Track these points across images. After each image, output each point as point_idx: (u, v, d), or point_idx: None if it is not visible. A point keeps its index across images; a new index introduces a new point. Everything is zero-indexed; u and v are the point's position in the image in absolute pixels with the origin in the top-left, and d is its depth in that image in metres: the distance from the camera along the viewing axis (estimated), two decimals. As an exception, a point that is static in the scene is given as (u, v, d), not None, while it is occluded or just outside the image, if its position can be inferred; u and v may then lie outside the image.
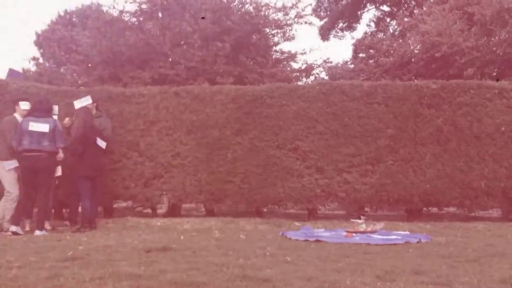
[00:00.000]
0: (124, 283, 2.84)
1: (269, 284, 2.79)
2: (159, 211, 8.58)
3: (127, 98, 7.97)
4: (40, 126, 5.85)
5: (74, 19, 19.36)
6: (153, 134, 7.80)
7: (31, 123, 5.85)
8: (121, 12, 12.84)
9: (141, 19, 13.02)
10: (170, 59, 12.37)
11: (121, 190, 7.72)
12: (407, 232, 5.77)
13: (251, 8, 13.33)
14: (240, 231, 5.63)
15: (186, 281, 2.84)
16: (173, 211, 8.05)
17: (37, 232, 5.74)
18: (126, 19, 13.07)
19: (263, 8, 13.20)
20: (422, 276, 2.99)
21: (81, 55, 13.09)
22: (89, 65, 12.97)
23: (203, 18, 11.95)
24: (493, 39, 11.09)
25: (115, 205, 8.47)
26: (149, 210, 8.96)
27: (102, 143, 6.50)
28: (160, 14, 12.95)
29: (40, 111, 6.03)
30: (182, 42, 13.02)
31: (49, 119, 6.02)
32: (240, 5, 13.41)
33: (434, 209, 8.52)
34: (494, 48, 10.83)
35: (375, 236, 5.34)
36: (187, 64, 11.89)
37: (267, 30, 13.67)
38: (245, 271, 3.13)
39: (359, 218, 5.89)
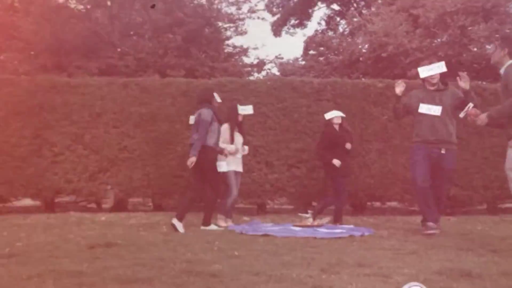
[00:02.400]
0: (65, 281, 2.73)
1: (217, 279, 2.78)
2: (105, 206, 8.36)
3: (72, 89, 7.70)
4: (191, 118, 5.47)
5: (16, 4, 18.35)
6: (99, 127, 7.57)
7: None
8: (68, -2, 12.34)
9: (88, 7, 12.57)
10: (119, 50, 12.03)
11: (64, 184, 7.45)
12: (351, 226, 5.94)
13: (203, 0, 13.22)
14: (188, 226, 5.57)
15: (131, 277, 2.77)
16: (119, 206, 7.86)
17: (202, 227, 5.50)
18: (73, 6, 12.57)
19: (216, 2, 13.13)
20: (365, 268, 3.09)
21: (23, 42, 12.43)
22: (32, 53, 12.35)
23: (153, 6, 11.62)
24: (435, 41, 11.61)
25: (56, 200, 8.15)
26: (93, 205, 8.71)
27: (348, 146, 6.19)
28: (109, 3, 12.55)
29: (198, 102, 5.67)
30: (132, 33, 12.70)
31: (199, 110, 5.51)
32: (193, -3, 13.27)
33: (377, 204, 8.84)
34: (437, 50, 11.33)
35: (321, 229, 5.46)
36: (136, 55, 11.62)
37: (220, 23, 13.61)
38: (192, 266, 3.10)
39: (307, 213, 5.99)
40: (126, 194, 7.65)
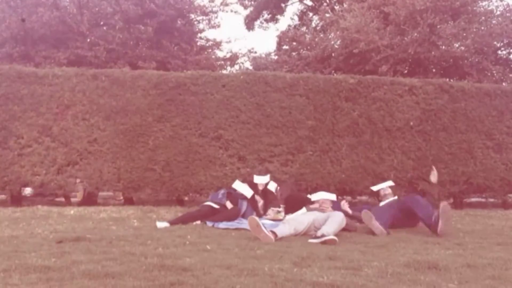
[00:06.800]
0: (32, 276, 2.67)
1: (188, 273, 2.77)
2: (74, 200, 8.20)
3: (40, 79, 7.48)
4: None
5: (-21, -9, 17.65)
6: (67, 119, 7.40)
7: None
8: (34, -15, 11.93)
9: (56, -5, 12.19)
10: (88, 40, 11.74)
11: (31, 177, 7.25)
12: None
13: (176, -8, 13.04)
14: (160, 220, 5.52)
15: (100, 272, 2.73)
16: (89, 200, 7.71)
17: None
18: (40, -7, 12.18)
19: (188, -7, 12.99)
20: (336, 262, 3.14)
21: (-13, 30, 11.99)
22: (-4, 41, 11.92)
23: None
24: (405, 38, 11.81)
25: (23, 193, 7.93)
26: (62, 199, 8.52)
27: None
28: (77, -9, 12.21)
29: None
30: (102, 23, 12.43)
31: None
32: (165, -12, 13.06)
33: (348, 198, 8.95)
34: (406, 47, 11.55)
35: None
36: (106, 46, 11.38)
37: (192, 16, 13.47)
38: (163, 260, 3.07)
39: (279, 207, 6.02)
40: (96, 187, 7.51)
